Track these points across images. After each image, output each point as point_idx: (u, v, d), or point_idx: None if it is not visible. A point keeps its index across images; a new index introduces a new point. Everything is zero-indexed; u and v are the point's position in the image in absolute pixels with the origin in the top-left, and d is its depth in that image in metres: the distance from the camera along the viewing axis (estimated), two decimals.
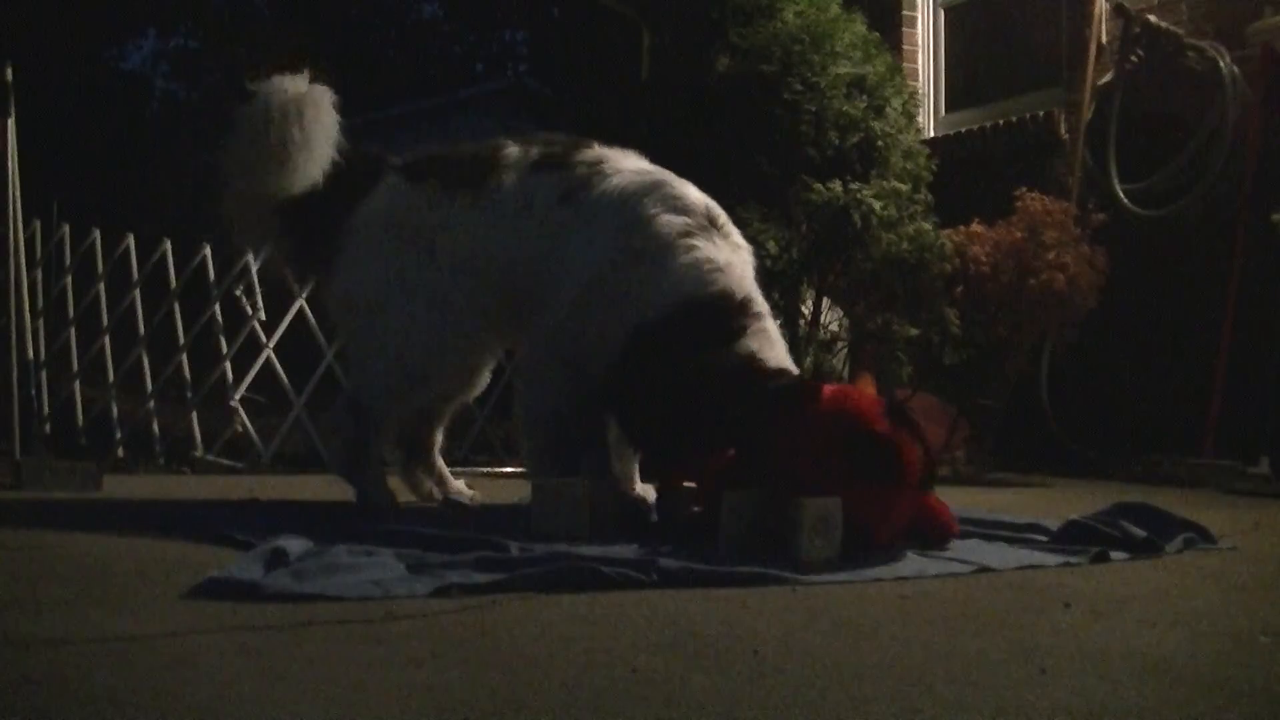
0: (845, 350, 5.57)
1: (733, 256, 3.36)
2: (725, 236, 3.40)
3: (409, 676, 1.67)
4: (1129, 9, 5.98)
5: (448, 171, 3.66)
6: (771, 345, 3.26)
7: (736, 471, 3.00)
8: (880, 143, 5.18)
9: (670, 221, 3.35)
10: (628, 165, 3.54)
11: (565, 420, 3.46)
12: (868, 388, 5.07)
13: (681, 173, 3.52)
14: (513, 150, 3.62)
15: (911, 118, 5.50)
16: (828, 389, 3.01)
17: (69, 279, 6.00)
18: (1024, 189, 5.65)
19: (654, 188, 3.44)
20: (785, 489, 2.77)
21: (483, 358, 3.82)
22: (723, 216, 3.47)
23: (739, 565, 2.56)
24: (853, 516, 2.72)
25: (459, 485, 3.99)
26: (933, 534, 2.96)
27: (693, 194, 3.45)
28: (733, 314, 3.24)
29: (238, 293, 5.70)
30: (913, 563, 2.72)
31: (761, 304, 3.34)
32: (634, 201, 3.41)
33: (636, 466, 3.66)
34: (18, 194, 4.56)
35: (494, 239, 3.53)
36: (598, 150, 3.59)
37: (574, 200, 3.48)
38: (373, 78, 21.34)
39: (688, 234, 3.33)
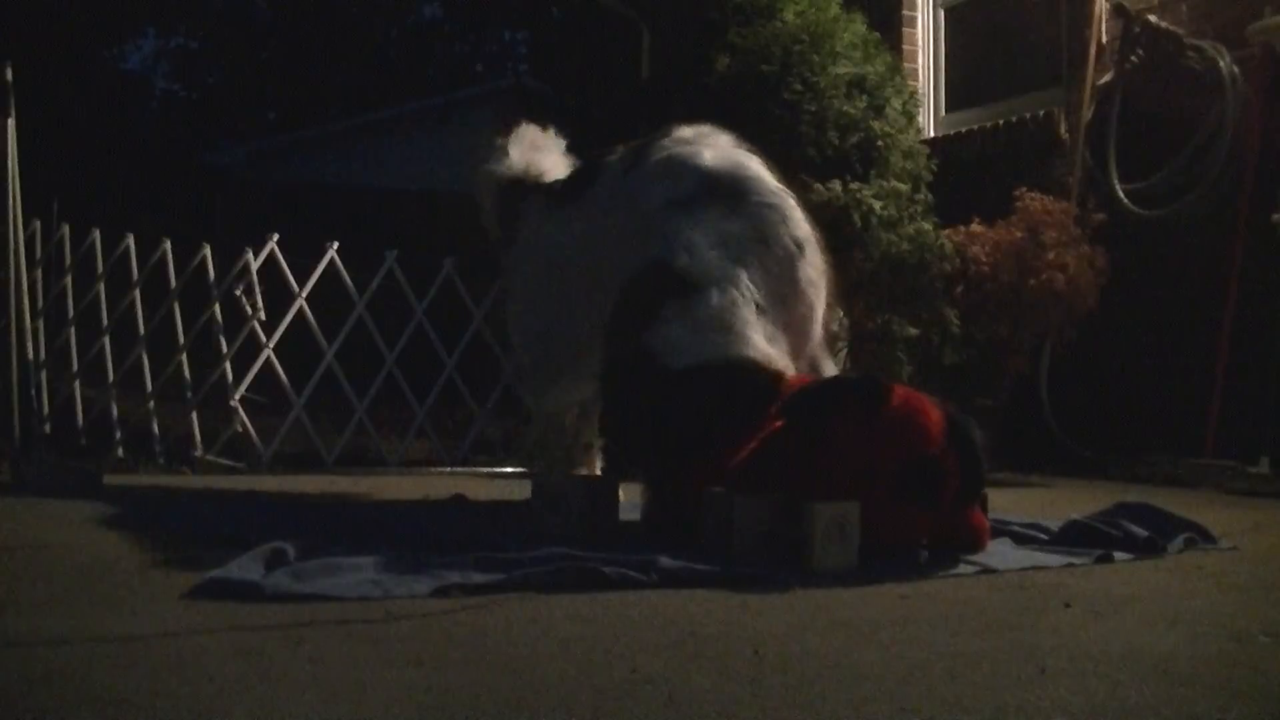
0: (845, 350, 5.56)
1: (723, 226, 3.12)
2: (734, 205, 3.16)
3: (409, 676, 1.67)
4: (1129, 9, 5.98)
5: (558, 183, 3.78)
6: (698, 327, 2.98)
7: (755, 472, 2.78)
8: (880, 143, 5.18)
9: (657, 194, 3.22)
10: (669, 149, 3.40)
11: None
12: None
13: None
14: (613, 155, 3.60)
15: (911, 118, 5.49)
16: (899, 391, 2.77)
17: (69, 279, 6.00)
18: (1024, 189, 5.65)
19: (662, 162, 3.33)
20: (813, 494, 2.61)
21: None
22: (734, 182, 3.22)
23: (744, 568, 2.55)
24: (876, 532, 2.63)
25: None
26: (959, 547, 2.88)
27: (697, 160, 3.28)
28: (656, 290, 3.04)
29: (238, 293, 5.69)
30: (919, 565, 2.71)
31: (710, 273, 3.04)
32: (639, 183, 3.33)
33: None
34: (18, 194, 4.56)
35: (589, 247, 3.50)
36: (669, 137, 3.46)
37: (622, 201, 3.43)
38: (373, 78, 21.35)
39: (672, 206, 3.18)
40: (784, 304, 3.14)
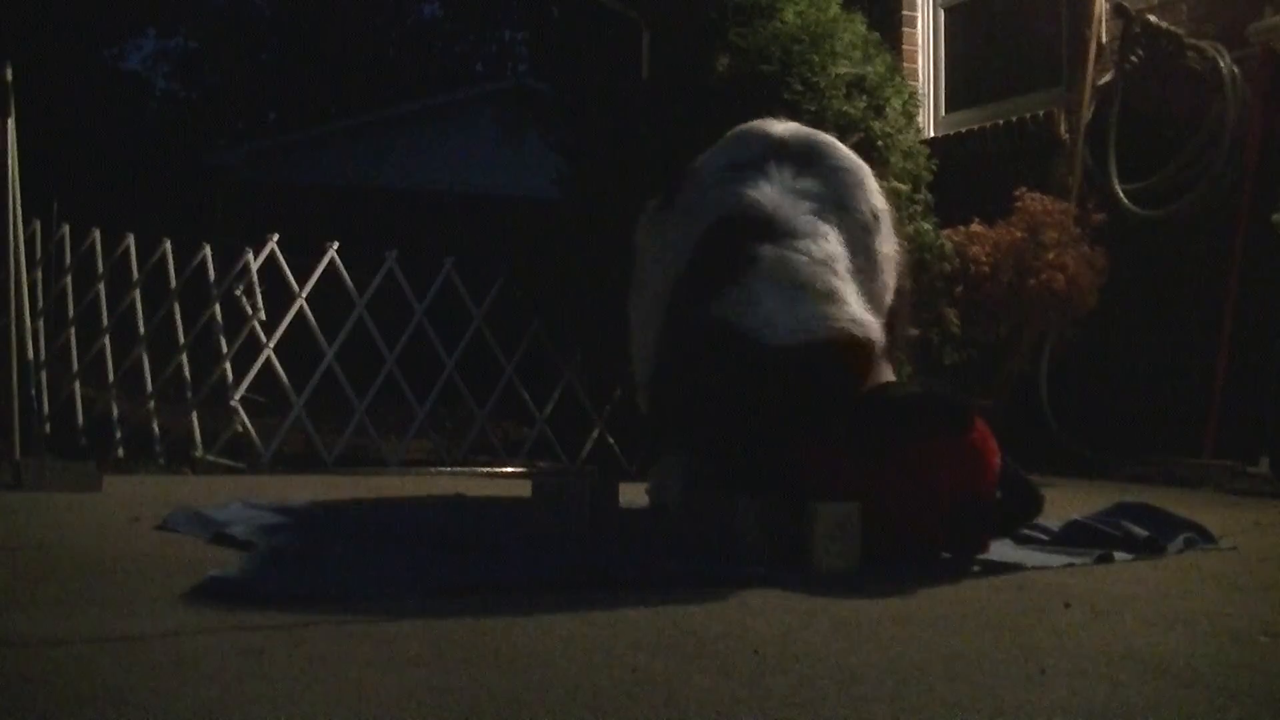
0: None
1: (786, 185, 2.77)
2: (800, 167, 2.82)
3: (409, 676, 1.67)
4: (1129, 9, 5.97)
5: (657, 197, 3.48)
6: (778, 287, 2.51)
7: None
8: (880, 143, 5.17)
9: (715, 161, 2.94)
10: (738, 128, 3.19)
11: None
12: None
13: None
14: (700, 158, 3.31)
15: (911, 118, 5.49)
16: (978, 420, 2.60)
17: (69, 279, 6.00)
18: (1024, 189, 5.65)
19: (728, 136, 3.09)
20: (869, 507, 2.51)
21: None
22: (805, 146, 2.92)
23: (744, 568, 2.54)
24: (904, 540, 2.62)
25: None
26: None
27: (766, 129, 3.02)
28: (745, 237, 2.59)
29: (238, 293, 5.69)
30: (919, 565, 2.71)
31: (803, 223, 2.64)
32: (705, 159, 3.09)
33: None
34: (18, 194, 4.56)
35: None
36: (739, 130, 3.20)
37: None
38: (373, 78, 21.35)
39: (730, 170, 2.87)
40: (861, 276, 2.77)
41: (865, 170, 3.02)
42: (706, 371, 2.53)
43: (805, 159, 2.92)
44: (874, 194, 2.99)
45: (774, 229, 2.64)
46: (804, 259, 2.60)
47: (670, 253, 2.99)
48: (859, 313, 2.61)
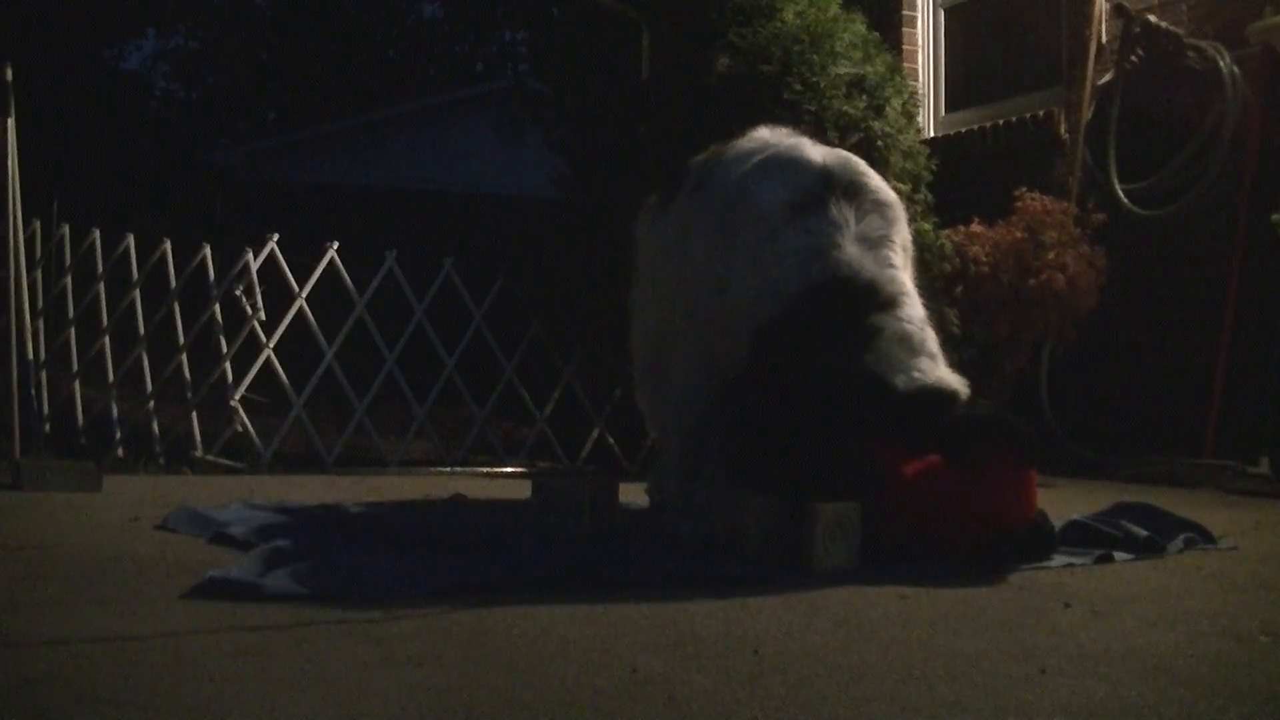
0: None
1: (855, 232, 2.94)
2: (855, 204, 2.98)
3: (409, 676, 1.67)
4: (1129, 9, 5.97)
5: (655, 196, 3.61)
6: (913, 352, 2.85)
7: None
8: (880, 143, 5.17)
9: (771, 195, 3.00)
10: (746, 144, 3.26)
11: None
12: None
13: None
14: (698, 158, 3.43)
15: (911, 118, 5.49)
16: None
17: (69, 279, 6.00)
18: (1024, 189, 5.65)
19: (763, 159, 3.13)
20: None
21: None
22: (850, 177, 3.04)
23: (744, 568, 2.55)
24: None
25: None
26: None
27: (807, 155, 3.11)
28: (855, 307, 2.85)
29: (238, 293, 5.70)
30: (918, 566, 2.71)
31: (898, 286, 2.92)
32: (738, 180, 3.12)
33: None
34: (18, 194, 4.56)
35: (682, 246, 3.31)
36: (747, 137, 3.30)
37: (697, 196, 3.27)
38: (373, 78, 21.34)
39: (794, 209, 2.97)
40: None
41: (899, 204, 3.16)
42: (854, 407, 2.78)
43: (853, 192, 3.04)
44: (906, 223, 3.16)
45: (875, 297, 2.91)
46: (915, 328, 2.92)
47: (716, 280, 3.07)
48: (947, 371, 2.93)
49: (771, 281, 2.95)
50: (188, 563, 2.54)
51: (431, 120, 16.37)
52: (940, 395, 2.83)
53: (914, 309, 2.97)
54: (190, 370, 5.68)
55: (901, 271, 3.02)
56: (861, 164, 3.20)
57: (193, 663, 1.71)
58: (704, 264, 3.11)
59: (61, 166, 12.80)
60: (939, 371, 2.90)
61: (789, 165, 3.09)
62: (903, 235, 3.11)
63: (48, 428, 5.26)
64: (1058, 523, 3.21)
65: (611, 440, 5.79)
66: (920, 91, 6.79)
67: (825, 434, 2.72)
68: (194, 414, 5.52)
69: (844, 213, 2.98)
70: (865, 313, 2.88)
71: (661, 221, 3.44)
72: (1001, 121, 6.62)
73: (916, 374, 2.83)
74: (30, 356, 4.76)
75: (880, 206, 3.06)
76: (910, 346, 2.88)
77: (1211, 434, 5.32)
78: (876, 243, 2.99)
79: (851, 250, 2.95)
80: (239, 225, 12.45)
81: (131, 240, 5.88)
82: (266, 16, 23.41)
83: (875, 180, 3.14)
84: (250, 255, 5.76)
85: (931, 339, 2.96)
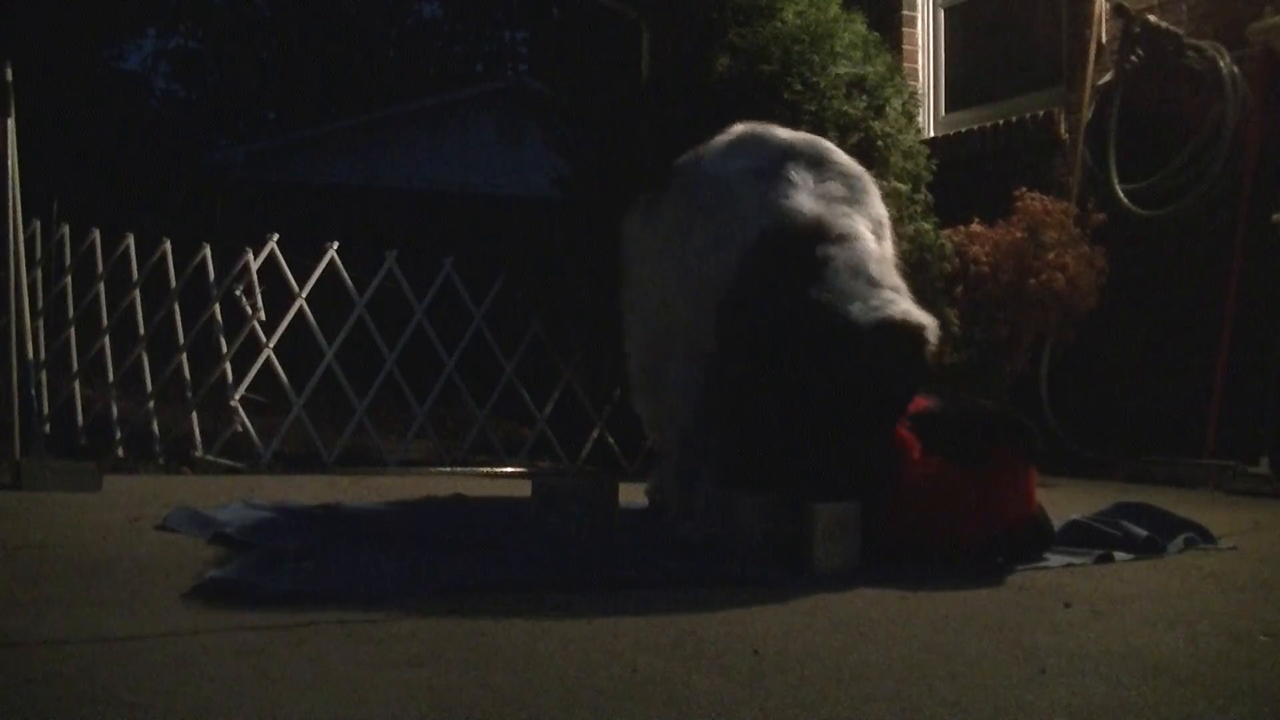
0: None
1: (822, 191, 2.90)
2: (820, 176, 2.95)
3: (409, 676, 1.67)
4: (1129, 9, 5.97)
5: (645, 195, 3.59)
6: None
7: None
8: (880, 143, 5.17)
9: (735, 164, 3.02)
10: (724, 136, 3.27)
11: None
12: None
13: None
14: (684, 157, 3.43)
15: (911, 118, 5.49)
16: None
17: (69, 279, 6.00)
18: (1024, 189, 5.65)
19: (734, 139, 3.16)
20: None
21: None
22: (814, 151, 3.04)
23: (744, 568, 2.54)
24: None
25: None
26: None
27: (774, 133, 3.14)
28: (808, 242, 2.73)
29: (238, 293, 5.69)
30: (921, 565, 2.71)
31: (850, 228, 2.80)
32: (711, 162, 3.15)
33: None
34: (18, 194, 4.56)
35: (672, 240, 3.32)
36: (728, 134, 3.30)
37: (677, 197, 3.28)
38: (373, 78, 21.35)
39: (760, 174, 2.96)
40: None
41: (869, 177, 3.13)
42: (811, 350, 2.65)
43: (815, 164, 3.03)
44: (879, 200, 3.11)
45: (824, 233, 2.78)
46: (870, 259, 2.77)
47: (696, 258, 3.05)
48: (913, 305, 2.78)
49: (729, 238, 2.91)
50: (188, 563, 2.54)
51: (431, 120, 16.37)
52: (906, 330, 2.64)
53: (870, 245, 2.81)
54: (190, 370, 5.68)
55: (858, 223, 2.85)
56: (832, 146, 3.19)
57: (193, 663, 1.71)
58: (697, 259, 3.10)
59: (61, 166, 12.80)
60: (903, 304, 2.70)
61: (756, 141, 3.14)
62: (873, 208, 3.01)
63: (48, 428, 5.26)
64: (1057, 522, 3.21)
65: (611, 440, 5.79)
66: (920, 91, 6.79)
67: (825, 434, 2.68)
68: (194, 414, 5.52)
69: (802, 176, 2.94)
70: (811, 246, 2.74)
71: (653, 220, 3.45)
72: (1001, 121, 6.62)
73: (875, 303, 2.64)
74: (30, 357, 4.76)
75: (845, 177, 3.02)
76: (866, 276, 2.70)
77: (1211, 434, 5.32)
78: (835, 200, 2.91)
79: (803, 199, 2.88)
80: (239, 225, 12.44)
81: (131, 240, 5.88)
82: (266, 16, 23.42)
83: (842, 157, 3.12)
84: (250, 255, 5.76)
85: (893, 274, 2.79)
